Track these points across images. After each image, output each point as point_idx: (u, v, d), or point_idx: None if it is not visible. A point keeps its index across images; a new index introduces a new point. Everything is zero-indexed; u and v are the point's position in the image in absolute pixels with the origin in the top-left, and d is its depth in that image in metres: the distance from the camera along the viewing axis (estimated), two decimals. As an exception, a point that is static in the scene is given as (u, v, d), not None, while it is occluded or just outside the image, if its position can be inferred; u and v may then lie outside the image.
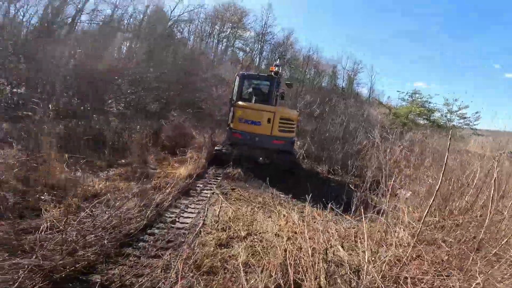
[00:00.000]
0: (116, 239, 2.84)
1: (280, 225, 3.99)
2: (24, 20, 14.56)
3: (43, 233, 2.58)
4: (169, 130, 7.65)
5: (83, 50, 8.85)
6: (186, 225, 3.61)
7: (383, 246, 3.19)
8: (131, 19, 23.20)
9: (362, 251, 2.99)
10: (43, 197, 3.61)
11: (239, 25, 29.20)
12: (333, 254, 3.07)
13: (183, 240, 3.11)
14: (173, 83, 10.82)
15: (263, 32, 30.19)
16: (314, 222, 4.29)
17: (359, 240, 3.40)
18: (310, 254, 2.93)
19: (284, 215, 4.42)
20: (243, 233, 3.53)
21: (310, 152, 9.58)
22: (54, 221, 2.88)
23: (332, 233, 3.70)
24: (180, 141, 7.37)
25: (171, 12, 24.72)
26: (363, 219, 3.17)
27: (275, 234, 3.63)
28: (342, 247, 3.25)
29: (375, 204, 5.09)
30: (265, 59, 31.65)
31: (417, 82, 59.40)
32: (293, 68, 31.75)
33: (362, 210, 3.49)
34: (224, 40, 29.72)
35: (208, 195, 4.86)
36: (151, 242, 3.02)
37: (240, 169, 6.13)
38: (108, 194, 4.02)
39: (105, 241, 2.72)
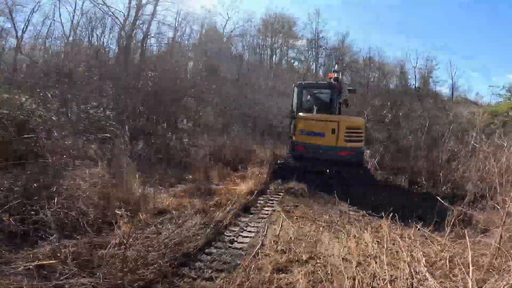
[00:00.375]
0: (175, 258, 2.80)
1: (349, 248, 3.47)
2: (104, 46, 17.67)
3: (111, 249, 2.70)
4: (231, 145, 7.80)
5: (154, 72, 10.06)
6: (245, 245, 3.39)
7: (493, 273, 2.53)
8: (189, 39, 25.61)
9: (461, 279, 2.46)
10: (119, 212, 3.94)
11: (289, 34, 29.16)
12: (419, 283, 2.54)
13: (239, 262, 2.89)
14: (233, 98, 11.21)
15: (315, 38, 29.34)
16: (393, 244, 3.60)
17: (457, 267, 2.75)
18: (387, 283, 2.37)
19: (354, 236, 3.82)
20: (304, 256, 3.12)
21: (384, 163, 8.48)
22: (123, 237, 3.02)
23: (418, 258, 3.07)
24: (242, 156, 7.42)
25: (223, 29, 26.36)
26: (467, 240, 2.48)
27: (343, 258, 3.16)
28: (432, 275, 2.66)
29: (477, 223, 4.04)
30: (322, 65, 30.55)
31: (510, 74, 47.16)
32: (354, 72, 29.71)
33: (462, 229, 2.77)
34: (278, 50, 30.01)
35: (269, 213, 4.59)
36: (208, 262, 2.89)
37: (304, 184, 5.73)
38: (173, 211, 4.16)
39: (165, 259, 2.70)
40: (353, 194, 5.39)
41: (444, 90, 32.42)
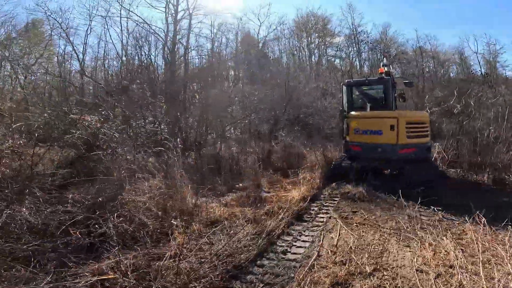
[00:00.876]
0: (227, 270, 2.71)
1: (424, 257, 2.98)
2: (152, 62, 19.16)
3: (166, 261, 2.74)
4: (279, 150, 7.62)
5: (200, 84, 10.57)
6: (298, 256, 3.14)
7: None
8: (227, 48, 26.38)
9: None
10: (174, 223, 4.07)
11: (325, 32, 27.94)
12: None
13: (293, 275, 2.65)
14: (277, 102, 11.07)
15: (354, 33, 27.52)
16: (484, 252, 2.99)
17: None
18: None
19: (430, 244, 3.27)
20: (368, 268, 2.75)
21: (458, 158, 7.32)
22: (178, 248, 3.06)
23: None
24: (291, 161, 7.17)
25: (257, 35, 26.47)
26: None
27: (416, 270, 2.73)
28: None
29: None
30: (366, 60, 28.49)
31: None
32: (403, 64, 27.04)
33: None
34: (316, 50, 28.99)
35: (324, 220, 4.24)
36: (259, 275, 2.72)
37: (362, 187, 5.21)
38: (225, 221, 4.13)
39: (216, 272, 2.63)
40: (424, 194, 4.71)
41: None
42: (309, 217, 4.39)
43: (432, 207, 4.38)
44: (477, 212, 3.57)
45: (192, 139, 7.72)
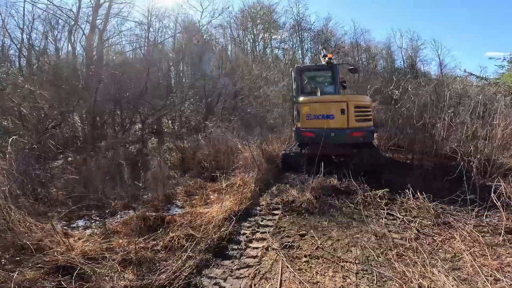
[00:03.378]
0: None
1: None
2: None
3: None
4: (207, 147, 5.88)
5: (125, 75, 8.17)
6: None
7: None
8: (164, 36, 23.66)
9: None
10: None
11: (270, 23, 27.31)
12: None
13: None
14: (212, 89, 9.28)
15: (297, 23, 27.48)
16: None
17: None
18: None
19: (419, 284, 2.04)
20: None
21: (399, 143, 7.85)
22: None
23: None
24: (222, 159, 5.49)
25: (199, 22, 24.26)
26: None
27: None
28: None
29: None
30: (308, 51, 28.68)
31: (489, 52, 44.03)
32: (341, 56, 28.07)
33: None
34: (261, 40, 28.10)
35: (259, 254, 2.69)
36: None
37: (310, 189, 3.92)
38: (85, 266, 2.29)
39: None
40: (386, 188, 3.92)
41: (432, 69, 31.30)
42: (235, 250, 2.78)
43: (402, 211, 3.31)
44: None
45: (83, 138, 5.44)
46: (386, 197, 3.94)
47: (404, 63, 30.49)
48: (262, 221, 3.47)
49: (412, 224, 3.20)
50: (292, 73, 6.83)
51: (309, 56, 27.27)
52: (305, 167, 4.83)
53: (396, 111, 9.84)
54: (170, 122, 10.25)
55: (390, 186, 4.18)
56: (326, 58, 6.59)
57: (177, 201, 4.12)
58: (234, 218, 3.27)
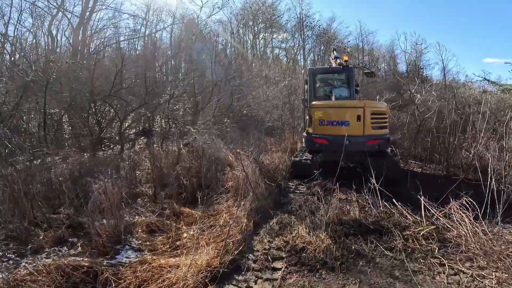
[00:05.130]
0: None
1: None
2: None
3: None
4: (189, 157, 4.66)
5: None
6: None
7: None
8: (162, 32, 22.41)
9: None
10: None
11: (272, 22, 26.12)
12: None
13: None
14: (206, 90, 8.09)
15: (301, 20, 26.27)
16: None
17: None
18: None
19: None
20: None
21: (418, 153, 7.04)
22: None
23: None
24: (207, 176, 4.26)
25: (198, 17, 22.96)
26: None
27: None
28: None
29: None
30: (311, 52, 27.43)
31: (486, 59, 41.75)
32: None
33: None
34: (262, 39, 26.94)
35: None
36: None
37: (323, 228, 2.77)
38: None
39: None
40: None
41: (435, 73, 30.16)
42: None
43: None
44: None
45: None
46: (434, 237, 2.84)
47: (407, 67, 29.43)
48: (256, 282, 2.28)
49: (486, 282, 2.07)
50: (305, 75, 6.64)
51: (311, 57, 26.10)
52: (318, 177, 4.41)
53: (414, 118, 8.84)
54: (163, 121, 9.09)
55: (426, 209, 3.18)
56: (338, 60, 6.43)
57: (134, 239, 2.90)
58: (220, 272, 2.08)
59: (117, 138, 7.05)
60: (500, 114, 8.17)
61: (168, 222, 3.17)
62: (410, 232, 2.97)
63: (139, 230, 3.07)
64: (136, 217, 3.37)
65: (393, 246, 2.76)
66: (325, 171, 4.52)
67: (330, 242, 2.67)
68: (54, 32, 14.50)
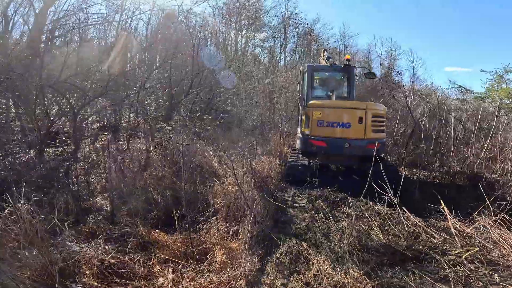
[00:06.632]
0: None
1: None
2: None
3: None
4: (162, 162, 3.66)
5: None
6: None
7: None
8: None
9: None
10: None
11: (255, 20, 25.42)
12: None
13: None
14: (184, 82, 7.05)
15: (286, 19, 25.84)
16: None
17: None
18: None
19: None
20: None
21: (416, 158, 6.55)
22: None
23: None
24: (188, 190, 3.29)
25: (179, 9, 21.56)
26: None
27: None
28: None
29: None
30: (293, 51, 27.14)
31: (448, 67, 43.43)
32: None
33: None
34: (243, 36, 26.09)
35: None
36: None
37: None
38: None
39: None
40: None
41: (405, 80, 31.62)
42: None
43: None
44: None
45: None
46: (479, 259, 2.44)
47: (380, 72, 30.31)
48: None
49: None
50: (302, 72, 6.38)
51: (296, 58, 25.62)
52: (317, 184, 4.26)
53: (406, 124, 8.76)
54: (131, 115, 7.87)
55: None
56: (331, 60, 6.36)
57: (78, 285, 1.92)
58: None
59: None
60: (484, 121, 8.31)
61: (133, 257, 2.22)
62: (454, 257, 2.49)
63: (87, 272, 2.08)
64: (84, 247, 2.36)
65: (442, 275, 2.20)
66: (320, 176, 4.42)
67: (365, 278, 1.93)
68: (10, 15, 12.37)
